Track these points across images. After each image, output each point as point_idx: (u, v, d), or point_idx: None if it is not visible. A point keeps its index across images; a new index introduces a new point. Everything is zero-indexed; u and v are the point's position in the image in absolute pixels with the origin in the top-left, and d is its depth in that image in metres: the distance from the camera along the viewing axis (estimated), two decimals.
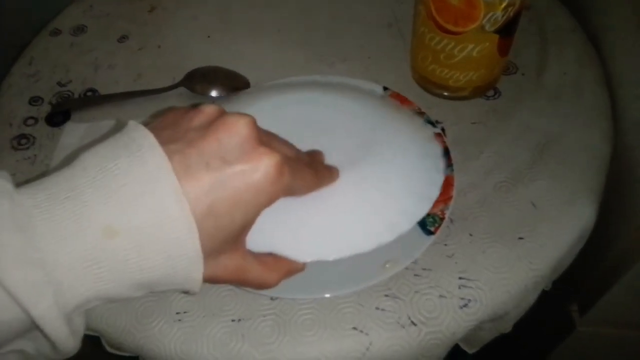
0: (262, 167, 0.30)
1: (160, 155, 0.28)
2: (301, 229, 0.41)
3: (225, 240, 0.31)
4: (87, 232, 0.26)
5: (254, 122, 0.31)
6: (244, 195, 0.30)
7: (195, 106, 0.33)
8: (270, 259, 0.38)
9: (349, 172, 0.43)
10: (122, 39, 0.71)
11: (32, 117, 0.62)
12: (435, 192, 0.46)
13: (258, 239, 0.36)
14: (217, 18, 0.73)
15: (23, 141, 0.59)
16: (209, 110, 0.32)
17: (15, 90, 0.65)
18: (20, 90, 0.65)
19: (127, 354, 0.47)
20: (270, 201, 0.32)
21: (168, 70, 0.65)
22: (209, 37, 0.70)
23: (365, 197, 0.43)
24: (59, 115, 0.61)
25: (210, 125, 0.31)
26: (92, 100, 0.63)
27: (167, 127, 0.32)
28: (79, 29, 0.72)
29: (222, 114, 0.32)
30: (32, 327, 0.26)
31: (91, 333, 0.47)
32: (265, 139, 0.32)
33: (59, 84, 0.65)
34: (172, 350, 0.44)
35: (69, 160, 0.29)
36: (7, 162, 0.57)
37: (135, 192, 0.27)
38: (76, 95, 0.64)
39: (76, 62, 0.68)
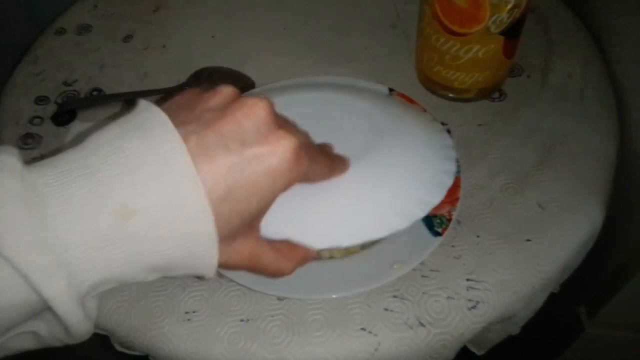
0: (281, 150, 0.30)
1: (174, 135, 0.27)
2: (314, 216, 0.41)
3: (241, 224, 0.30)
4: (102, 212, 0.26)
5: (272, 106, 0.31)
6: (262, 179, 0.29)
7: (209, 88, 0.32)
8: (285, 246, 0.38)
9: (361, 162, 0.43)
10: (127, 38, 0.71)
11: (38, 117, 0.62)
12: (448, 180, 0.45)
13: (271, 226, 0.35)
14: (223, 18, 0.73)
15: (29, 140, 0.59)
16: (225, 91, 0.31)
17: (21, 89, 0.65)
18: (25, 89, 0.65)
19: (136, 353, 0.47)
20: (287, 186, 0.31)
21: (173, 70, 0.65)
22: (213, 36, 0.70)
23: (377, 184, 0.42)
24: (64, 115, 0.61)
25: (227, 106, 0.30)
26: (97, 99, 0.63)
27: (182, 108, 0.31)
28: (84, 28, 0.72)
29: (239, 96, 0.31)
30: (44, 308, 0.26)
31: (101, 332, 0.47)
32: (282, 123, 0.32)
33: (65, 83, 0.65)
34: (182, 349, 0.44)
35: (78, 140, 0.28)
36: None
37: (149, 172, 0.26)
38: (82, 95, 0.64)
39: (81, 61, 0.68)
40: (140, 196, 0.26)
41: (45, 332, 0.29)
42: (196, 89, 0.33)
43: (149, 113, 0.29)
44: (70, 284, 0.25)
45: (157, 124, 0.28)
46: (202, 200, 0.27)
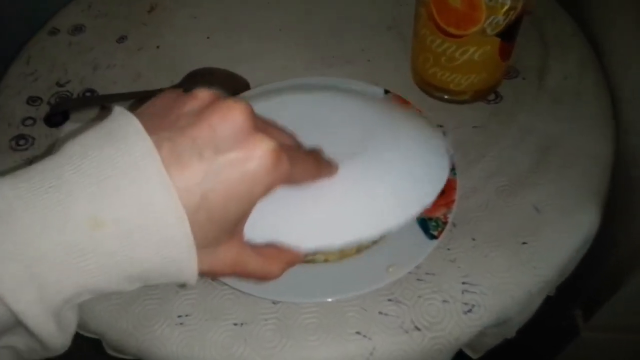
0: (258, 155, 0.29)
1: (147, 143, 0.27)
2: (303, 217, 0.40)
3: (220, 232, 0.30)
4: (72, 223, 0.25)
5: (250, 109, 0.30)
6: (239, 186, 0.29)
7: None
8: (272, 250, 0.37)
9: (351, 161, 0.42)
10: (121, 39, 0.70)
11: (30, 118, 0.61)
12: (440, 182, 0.44)
13: (258, 228, 0.35)
14: (217, 19, 0.72)
15: (22, 142, 0.59)
16: (202, 95, 0.30)
17: (13, 90, 0.65)
18: (18, 90, 0.64)
19: (128, 357, 0.47)
20: (267, 190, 0.30)
21: (167, 71, 0.65)
22: (208, 37, 0.70)
23: (369, 185, 0.42)
24: (57, 116, 0.61)
25: (203, 111, 0.29)
26: (90, 100, 0.63)
27: (156, 113, 0.30)
28: (78, 29, 0.72)
29: (216, 99, 0.30)
30: (17, 322, 0.25)
31: (92, 336, 0.47)
32: (262, 126, 0.31)
33: (58, 84, 0.65)
34: (174, 353, 0.43)
35: (53, 149, 0.28)
36: (6, 163, 0.56)
37: (121, 181, 0.26)
38: (75, 96, 0.64)
39: (75, 62, 0.68)
40: (110, 206, 0.26)
41: (23, 346, 0.28)
42: (173, 92, 0.32)
43: (122, 120, 0.28)
44: (41, 297, 0.25)
45: (130, 131, 0.27)
46: (175, 206, 0.26)
